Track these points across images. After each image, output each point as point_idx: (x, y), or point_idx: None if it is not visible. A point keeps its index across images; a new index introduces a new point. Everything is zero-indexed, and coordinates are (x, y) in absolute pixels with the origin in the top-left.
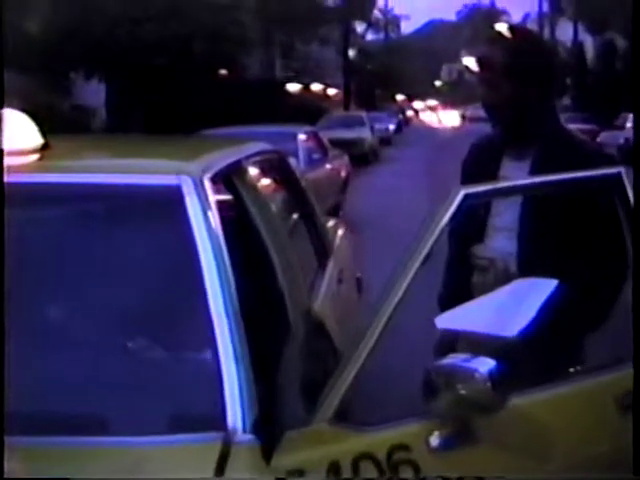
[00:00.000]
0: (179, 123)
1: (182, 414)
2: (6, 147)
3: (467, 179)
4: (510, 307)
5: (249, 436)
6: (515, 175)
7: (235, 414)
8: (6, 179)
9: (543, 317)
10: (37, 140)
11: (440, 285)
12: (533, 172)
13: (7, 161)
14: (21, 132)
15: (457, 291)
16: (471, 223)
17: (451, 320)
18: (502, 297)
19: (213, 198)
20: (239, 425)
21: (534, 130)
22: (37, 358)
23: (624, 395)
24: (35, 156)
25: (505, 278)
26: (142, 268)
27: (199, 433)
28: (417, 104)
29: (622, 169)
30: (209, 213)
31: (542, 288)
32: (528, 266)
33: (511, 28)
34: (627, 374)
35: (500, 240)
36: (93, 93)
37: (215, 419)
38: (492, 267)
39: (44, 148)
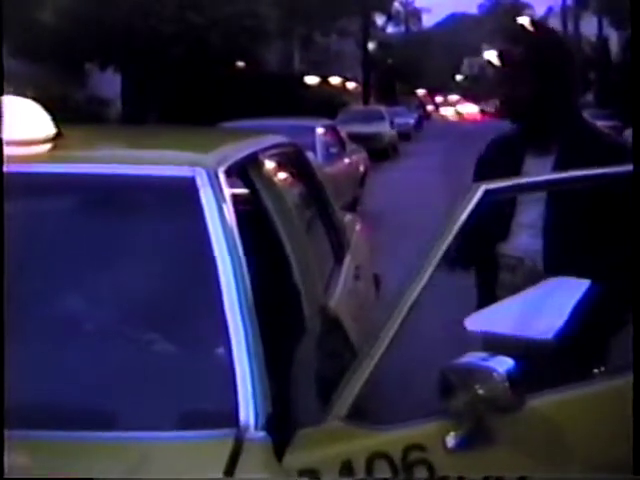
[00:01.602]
0: (195, 115)
1: (194, 410)
2: (19, 136)
3: (485, 176)
4: (543, 308)
5: (261, 433)
6: (538, 171)
7: (248, 411)
8: (19, 169)
9: (575, 318)
10: (50, 129)
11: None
12: (556, 168)
13: (21, 150)
14: (34, 121)
15: (485, 291)
16: (494, 220)
17: (482, 322)
18: (533, 298)
19: (228, 191)
20: (251, 422)
21: (556, 125)
22: (48, 351)
23: None
24: (48, 145)
25: (534, 277)
26: (155, 261)
27: (211, 429)
28: (438, 98)
29: None
30: (224, 206)
31: (574, 288)
32: (554, 264)
33: (533, 23)
34: None
35: (525, 237)
36: (108, 84)
37: (227, 415)
38: (520, 266)
39: (57, 137)
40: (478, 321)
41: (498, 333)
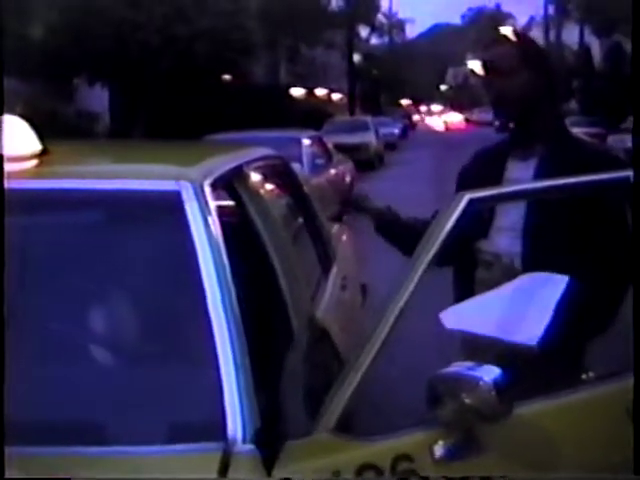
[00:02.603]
0: (182, 128)
1: (182, 424)
2: (4, 153)
3: (468, 185)
4: (524, 307)
5: (249, 446)
6: (520, 175)
7: (235, 424)
8: (4, 185)
9: (557, 321)
10: (35, 146)
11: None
12: (538, 172)
13: (5, 167)
14: (19, 138)
15: (461, 287)
16: (475, 224)
17: (460, 319)
18: (512, 294)
19: (213, 204)
20: (239, 435)
21: (539, 130)
22: (36, 367)
23: None
24: (33, 162)
25: (510, 273)
26: (141, 275)
27: (199, 443)
28: (423, 108)
29: (631, 173)
30: (209, 219)
31: (552, 284)
32: (533, 265)
33: (514, 32)
34: None
35: (505, 239)
36: (97, 98)
37: (215, 429)
38: (497, 262)
39: (43, 154)
40: (455, 317)
41: (479, 334)
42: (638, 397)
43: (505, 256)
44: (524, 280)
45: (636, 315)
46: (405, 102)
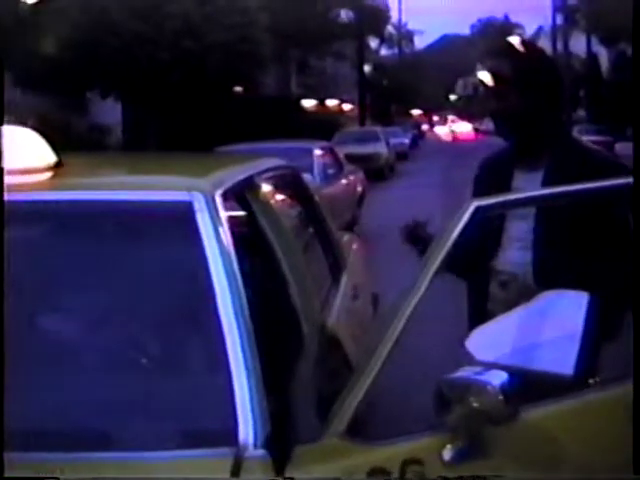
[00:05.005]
0: (195, 140)
1: (193, 429)
2: (19, 165)
3: (479, 193)
4: (551, 330)
5: (261, 451)
6: (527, 186)
7: (247, 429)
8: (20, 197)
9: (586, 343)
10: (50, 158)
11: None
12: (545, 183)
13: (20, 179)
14: (34, 150)
15: (477, 306)
16: (485, 235)
17: (488, 349)
18: (536, 318)
19: (225, 214)
20: (251, 440)
21: (545, 141)
22: (48, 373)
23: None
24: (48, 174)
25: (527, 293)
26: (153, 284)
27: (210, 448)
28: (432, 118)
29: None
30: (220, 229)
31: (575, 304)
32: (544, 277)
33: (522, 42)
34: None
35: (515, 251)
36: (109, 111)
37: (226, 434)
38: (513, 282)
39: (57, 166)
40: (484, 347)
41: (512, 366)
42: (638, 397)
43: (520, 274)
44: (545, 300)
45: (636, 316)
46: (415, 112)
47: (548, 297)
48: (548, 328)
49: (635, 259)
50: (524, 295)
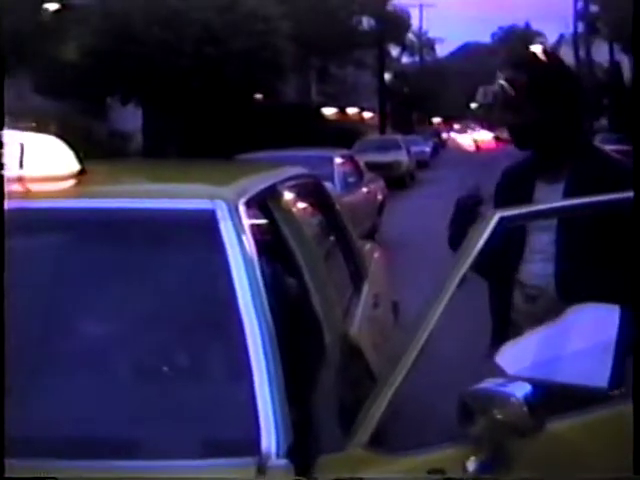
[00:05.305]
0: (215, 148)
1: (216, 438)
2: (43, 173)
3: (501, 204)
4: (584, 345)
5: (283, 461)
6: (549, 198)
7: (269, 439)
8: (44, 205)
9: (618, 355)
10: (74, 166)
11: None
12: (567, 193)
13: (45, 187)
14: (58, 158)
15: (502, 319)
16: (507, 246)
17: (521, 364)
18: (568, 333)
19: (248, 223)
20: (273, 450)
21: (565, 152)
22: (71, 381)
23: None
24: (72, 181)
25: (557, 307)
26: (176, 293)
27: (233, 458)
28: (453, 126)
29: None
30: (244, 238)
31: (606, 317)
32: (567, 289)
33: (542, 50)
34: None
35: (537, 263)
36: (130, 118)
37: (249, 444)
38: (542, 296)
39: (81, 173)
40: (516, 362)
41: (547, 381)
42: (638, 397)
43: (546, 287)
44: (577, 313)
45: (637, 316)
46: (436, 120)
47: (579, 310)
48: (580, 341)
49: (635, 260)
50: (550, 308)
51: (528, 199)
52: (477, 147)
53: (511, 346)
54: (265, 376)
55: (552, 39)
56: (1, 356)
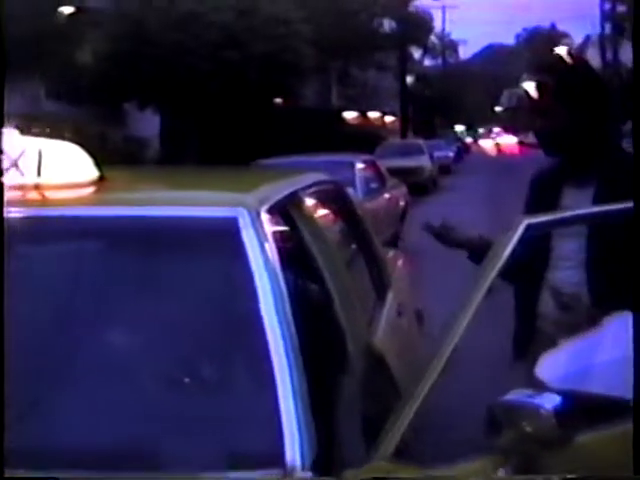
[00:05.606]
0: (234, 153)
1: (241, 450)
2: (62, 180)
3: (529, 211)
4: (623, 357)
5: (308, 473)
6: (577, 204)
7: (294, 451)
8: (62, 212)
9: None
10: (93, 172)
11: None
12: (597, 199)
13: (63, 194)
14: (77, 165)
15: (535, 329)
16: (535, 253)
17: (561, 376)
18: (608, 343)
19: (270, 230)
20: (298, 462)
21: (594, 156)
22: (95, 393)
23: None
24: (92, 188)
25: (591, 316)
26: (199, 302)
27: (258, 470)
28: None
29: None
30: (266, 245)
31: None
32: (597, 296)
33: (568, 53)
34: None
35: (564, 270)
36: (147, 123)
37: (274, 456)
38: (576, 304)
39: (99, 180)
40: (556, 374)
41: (592, 394)
42: (638, 397)
43: (582, 296)
44: (614, 324)
45: (637, 316)
46: (459, 124)
47: (617, 319)
48: (620, 352)
49: (635, 261)
50: (584, 316)
51: (555, 205)
52: (501, 152)
53: (549, 356)
54: (289, 387)
55: (578, 40)
56: (1, 358)
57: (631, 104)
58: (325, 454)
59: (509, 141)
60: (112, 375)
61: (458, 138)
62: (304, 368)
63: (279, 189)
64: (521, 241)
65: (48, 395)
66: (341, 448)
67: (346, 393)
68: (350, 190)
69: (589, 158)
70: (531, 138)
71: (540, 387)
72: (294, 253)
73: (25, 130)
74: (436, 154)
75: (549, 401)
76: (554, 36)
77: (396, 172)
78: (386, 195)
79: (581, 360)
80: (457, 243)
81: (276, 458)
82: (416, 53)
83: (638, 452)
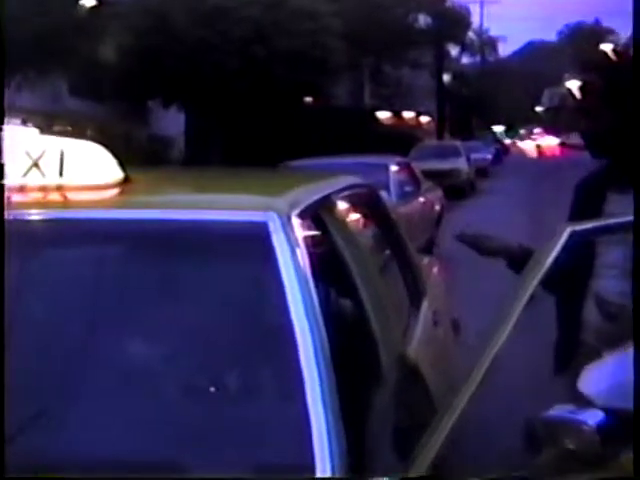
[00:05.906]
0: (262, 154)
1: (270, 460)
2: (87, 182)
3: (574, 217)
4: None
5: None
6: (621, 208)
7: (324, 462)
8: (85, 215)
9: None
10: (117, 174)
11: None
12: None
13: (88, 195)
14: (102, 166)
15: (578, 340)
16: (579, 261)
17: (609, 392)
18: None
19: (301, 235)
20: (328, 472)
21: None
22: (120, 402)
23: None
24: (117, 190)
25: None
26: (227, 308)
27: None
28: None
29: None
30: (297, 251)
31: None
32: None
33: (614, 51)
34: None
35: (609, 279)
36: (171, 122)
37: (304, 467)
38: (623, 314)
39: (125, 182)
40: (596, 385)
41: (626, 409)
42: (638, 397)
43: (628, 306)
44: None
45: (636, 318)
46: (498, 125)
47: None
48: None
49: (635, 262)
50: (629, 327)
51: (600, 211)
52: (542, 154)
53: (593, 369)
54: (319, 396)
55: (624, 37)
56: (2, 358)
57: None
58: (356, 464)
59: (550, 142)
60: (136, 383)
61: (497, 139)
62: (335, 377)
63: (310, 193)
64: (565, 249)
65: (71, 403)
66: (372, 458)
67: (378, 403)
68: (384, 194)
69: (635, 162)
70: (573, 139)
71: (583, 402)
72: (326, 259)
73: (46, 129)
74: (473, 156)
75: (592, 417)
76: (598, 32)
77: (431, 175)
78: (421, 199)
79: (626, 374)
80: (493, 252)
81: (307, 469)
82: (453, 50)
83: (638, 452)
